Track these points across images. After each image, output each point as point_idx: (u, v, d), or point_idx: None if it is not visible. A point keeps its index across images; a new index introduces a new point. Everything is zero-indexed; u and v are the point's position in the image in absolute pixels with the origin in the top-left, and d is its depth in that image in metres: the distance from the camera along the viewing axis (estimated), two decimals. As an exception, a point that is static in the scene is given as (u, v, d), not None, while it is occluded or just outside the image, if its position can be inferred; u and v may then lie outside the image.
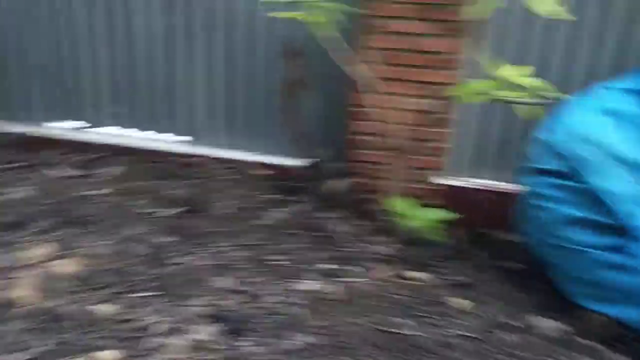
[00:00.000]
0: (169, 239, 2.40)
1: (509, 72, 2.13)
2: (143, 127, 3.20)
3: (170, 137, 3.18)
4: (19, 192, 2.71)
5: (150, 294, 2.04)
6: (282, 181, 2.98)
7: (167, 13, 2.94)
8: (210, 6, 2.88)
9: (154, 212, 2.61)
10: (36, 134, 3.19)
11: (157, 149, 3.13)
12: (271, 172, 3.03)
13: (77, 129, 3.23)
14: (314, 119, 2.98)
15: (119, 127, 3.22)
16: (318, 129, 2.99)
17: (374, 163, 2.74)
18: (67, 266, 2.16)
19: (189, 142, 3.17)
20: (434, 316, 2.03)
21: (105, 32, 3.02)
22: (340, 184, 2.85)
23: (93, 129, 3.24)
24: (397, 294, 2.16)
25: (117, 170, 3.00)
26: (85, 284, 2.07)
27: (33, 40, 3.08)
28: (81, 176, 2.92)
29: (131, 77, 3.10)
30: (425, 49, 2.52)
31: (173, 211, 2.62)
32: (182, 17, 2.93)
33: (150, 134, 3.19)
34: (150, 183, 2.88)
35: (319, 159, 2.97)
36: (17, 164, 3.00)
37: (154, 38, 3.00)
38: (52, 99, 3.20)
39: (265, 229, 2.56)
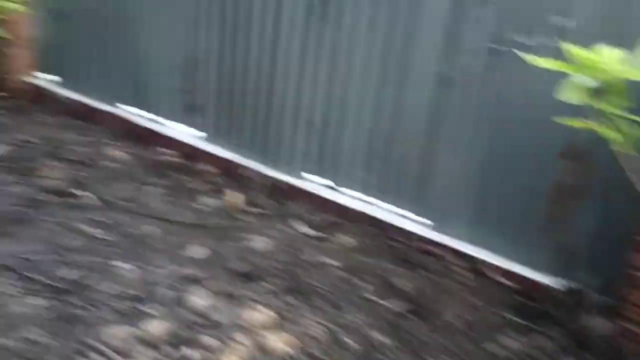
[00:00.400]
0: (386, 339, 2.17)
1: None
2: (387, 200, 3.07)
3: (412, 216, 2.99)
4: (259, 242, 2.78)
5: (351, 405, 1.83)
6: (526, 299, 2.54)
7: (443, 92, 2.76)
8: (488, 91, 2.62)
9: (378, 300, 2.42)
10: (290, 184, 3.30)
11: (396, 225, 2.96)
12: (515, 284, 2.61)
13: (327, 186, 3.25)
14: (583, 235, 2.48)
15: (365, 194, 3.15)
16: (586, 248, 2.48)
17: (656, 314, 2.13)
18: (279, 341, 2.08)
19: (430, 226, 2.93)
20: None
21: (373, 101, 2.98)
22: (602, 325, 2.30)
23: (341, 190, 3.22)
24: None
25: (353, 239, 2.91)
26: (291, 368, 1.97)
27: (307, 98, 3.20)
28: (318, 238, 2.90)
29: (387, 147, 3.00)
30: None
31: (397, 306, 2.39)
32: (457, 97, 2.72)
33: (393, 208, 3.05)
34: (381, 264, 2.71)
35: (579, 285, 2.45)
36: (266, 211, 3.12)
37: (421, 113, 2.85)
38: (311, 153, 3.28)
39: (495, 358, 2.16)
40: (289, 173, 3.36)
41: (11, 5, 3.96)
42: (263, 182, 3.37)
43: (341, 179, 3.22)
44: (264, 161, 3.45)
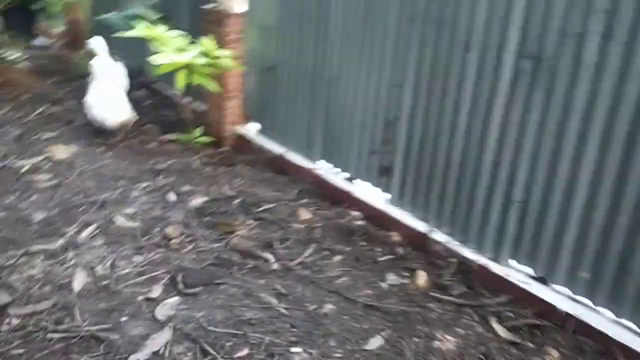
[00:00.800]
0: None
1: None
2: (609, 306, 2.51)
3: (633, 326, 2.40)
4: (445, 341, 2.45)
5: None
6: None
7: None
8: None
9: None
10: (487, 268, 2.90)
11: (617, 340, 2.39)
12: None
13: (533, 277, 2.79)
14: None
15: (581, 295, 2.62)
16: None
17: None
18: None
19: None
20: None
21: (605, 186, 2.48)
22: None
23: (551, 285, 2.73)
24: None
25: (560, 352, 2.41)
26: None
27: (519, 177, 2.79)
28: (516, 345, 2.45)
29: (617, 243, 2.46)
30: None
31: None
32: None
33: (616, 318, 2.48)
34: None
35: None
36: (455, 299, 2.77)
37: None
38: (519, 237, 2.84)
39: None
40: (487, 255, 2.97)
41: (225, 61, 4.25)
42: (454, 261, 3.03)
43: (552, 271, 2.73)
44: (460, 237, 3.11)
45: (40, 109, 5.09)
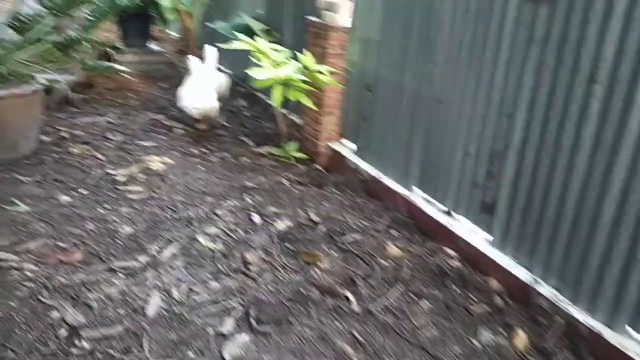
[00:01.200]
0: None
1: None
2: None
3: None
4: None
5: None
6: None
7: None
8: None
9: None
10: (601, 336, 2.48)
11: None
12: None
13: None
14: None
15: None
16: None
17: None
18: None
19: None
20: None
21: None
22: None
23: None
24: None
25: None
26: None
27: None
28: None
29: None
30: None
31: None
32: None
33: None
34: None
35: None
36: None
37: None
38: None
39: None
40: (600, 319, 2.55)
41: (324, 78, 4.09)
42: (560, 321, 2.63)
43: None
44: (569, 294, 2.70)
45: (145, 116, 5.24)
